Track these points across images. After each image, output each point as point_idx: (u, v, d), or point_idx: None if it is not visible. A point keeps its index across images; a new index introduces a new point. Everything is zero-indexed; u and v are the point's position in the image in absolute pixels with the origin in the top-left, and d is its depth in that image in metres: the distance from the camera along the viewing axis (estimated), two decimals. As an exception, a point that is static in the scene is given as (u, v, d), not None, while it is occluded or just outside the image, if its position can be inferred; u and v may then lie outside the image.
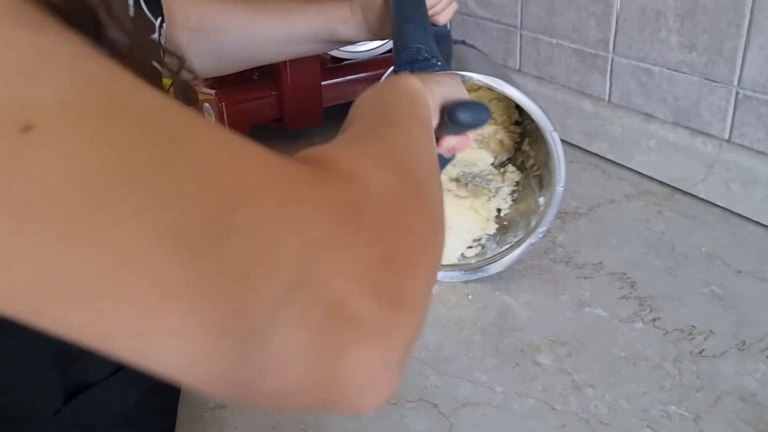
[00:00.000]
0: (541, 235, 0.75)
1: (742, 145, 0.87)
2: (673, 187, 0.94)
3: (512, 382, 0.63)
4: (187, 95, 1.26)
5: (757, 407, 0.59)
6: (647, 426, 0.58)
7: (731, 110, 0.87)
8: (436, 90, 0.54)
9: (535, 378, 0.63)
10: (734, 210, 0.88)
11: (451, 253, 0.79)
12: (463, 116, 0.54)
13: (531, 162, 0.83)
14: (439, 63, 0.61)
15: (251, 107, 1.10)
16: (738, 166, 0.86)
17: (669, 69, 0.93)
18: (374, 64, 1.21)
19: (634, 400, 0.60)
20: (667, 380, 0.63)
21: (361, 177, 0.31)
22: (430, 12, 0.74)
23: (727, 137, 0.88)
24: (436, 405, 0.61)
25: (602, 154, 1.04)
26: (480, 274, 0.77)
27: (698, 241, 0.83)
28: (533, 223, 0.75)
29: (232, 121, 1.08)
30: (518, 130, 0.88)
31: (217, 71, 0.82)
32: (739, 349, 0.66)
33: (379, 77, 1.18)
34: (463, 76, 0.63)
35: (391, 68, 0.72)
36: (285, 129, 1.12)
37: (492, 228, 0.81)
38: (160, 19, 0.59)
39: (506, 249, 0.77)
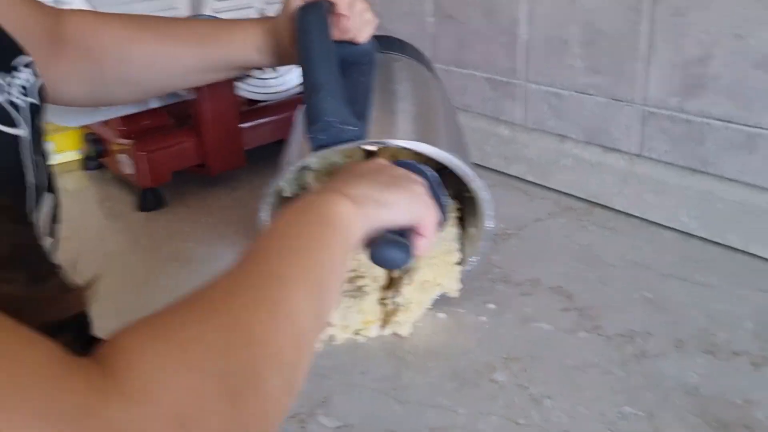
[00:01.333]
0: (475, 264, 0.79)
1: (651, 158, 0.93)
2: (592, 202, 0.99)
3: (474, 403, 0.64)
4: (93, 160, 1.22)
5: (703, 400, 0.63)
6: (607, 429, 0.60)
7: (639, 127, 0.93)
8: (373, 214, 0.51)
9: (495, 396, 0.65)
10: (649, 219, 0.93)
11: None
12: (378, 256, 0.52)
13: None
14: (355, 128, 0.62)
15: (171, 154, 1.08)
16: (649, 178, 0.93)
17: (577, 92, 0.99)
18: (292, 104, 1.21)
19: (590, 406, 0.63)
20: (617, 383, 0.66)
21: (155, 396, 0.26)
22: (347, 37, 0.75)
23: (637, 152, 0.94)
24: (403, 433, 0.62)
25: (522, 176, 1.08)
26: None
27: (622, 250, 0.88)
28: (467, 251, 0.79)
29: (153, 170, 1.06)
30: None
31: (126, 100, 0.80)
32: (676, 348, 0.70)
33: (294, 116, 1.19)
34: (381, 143, 0.67)
35: (302, 108, 0.73)
36: (208, 174, 1.10)
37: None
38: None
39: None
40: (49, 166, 0.55)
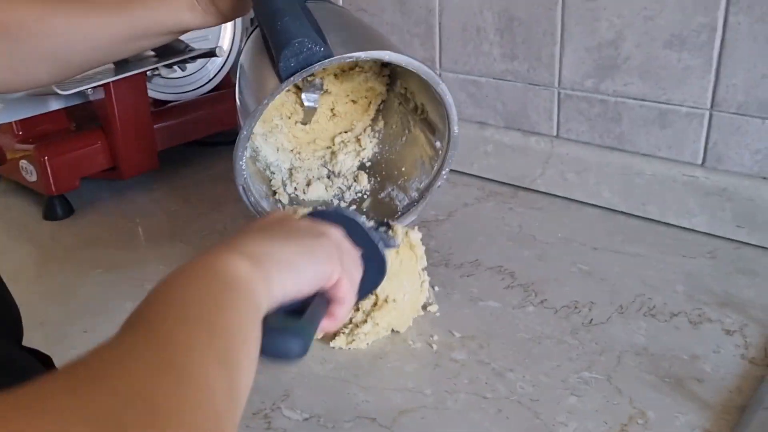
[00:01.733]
0: (445, 177, 0.80)
1: (569, 139, 0.97)
2: (515, 186, 1.02)
3: (439, 383, 0.64)
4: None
5: (652, 358, 0.66)
6: (571, 394, 0.62)
7: (556, 109, 0.97)
8: (276, 277, 0.39)
9: (458, 374, 0.65)
10: (573, 197, 0.97)
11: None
12: (266, 349, 0.37)
13: (411, 105, 0.84)
14: (322, 48, 0.60)
15: (78, 158, 1.01)
16: (570, 158, 0.96)
17: (495, 78, 1.01)
18: (203, 104, 1.17)
19: (552, 374, 0.64)
20: (572, 351, 0.67)
21: None
22: None
23: (555, 134, 0.98)
24: (374, 419, 0.60)
25: (444, 165, 1.09)
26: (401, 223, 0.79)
27: (552, 228, 0.91)
28: (435, 167, 0.80)
29: (58, 176, 0.99)
30: (387, 71, 0.88)
31: (51, 79, 0.73)
32: (619, 313, 0.73)
33: (209, 116, 1.16)
34: (350, 57, 0.63)
35: (255, 29, 0.69)
36: (120, 178, 1.04)
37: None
38: None
39: (416, 196, 0.82)
40: None
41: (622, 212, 0.93)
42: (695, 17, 0.81)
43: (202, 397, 0.28)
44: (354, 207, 0.86)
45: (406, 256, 0.71)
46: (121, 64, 1.07)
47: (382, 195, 0.85)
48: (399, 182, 0.84)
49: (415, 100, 0.82)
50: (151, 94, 1.11)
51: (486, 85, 1.03)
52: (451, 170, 1.08)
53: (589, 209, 0.95)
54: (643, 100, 0.89)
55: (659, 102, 0.87)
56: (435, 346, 0.69)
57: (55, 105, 1.02)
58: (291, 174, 0.86)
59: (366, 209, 0.85)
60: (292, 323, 0.39)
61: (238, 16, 0.71)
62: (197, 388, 0.28)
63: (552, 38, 0.94)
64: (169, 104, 1.16)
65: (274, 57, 0.61)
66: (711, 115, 0.84)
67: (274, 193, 0.84)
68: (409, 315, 0.72)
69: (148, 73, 1.05)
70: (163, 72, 1.07)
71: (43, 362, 0.57)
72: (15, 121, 1.02)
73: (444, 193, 1.02)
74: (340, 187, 0.87)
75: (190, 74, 1.18)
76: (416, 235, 0.73)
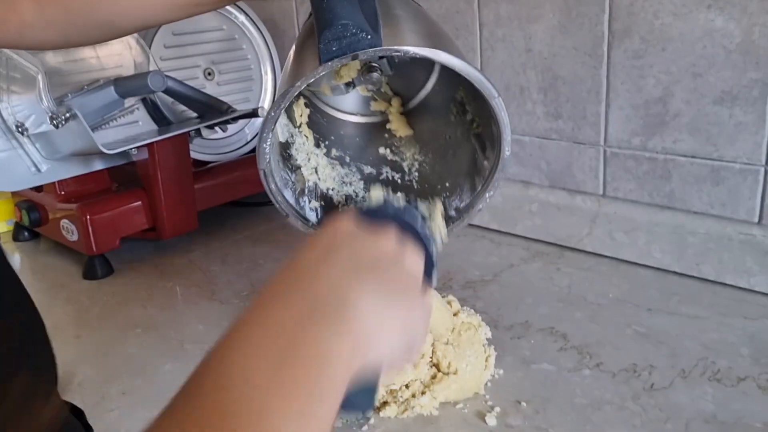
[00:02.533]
0: (488, 200, 0.71)
1: (617, 198, 0.94)
2: (561, 246, 0.99)
3: (494, 449, 0.61)
4: (25, 229, 1.13)
5: (723, 427, 0.62)
6: (638, 464, 0.58)
7: (602, 168, 0.95)
8: (372, 360, 0.34)
9: (515, 440, 0.62)
10: (622, 258, 0.94)
11: None
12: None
13: (469, 117, 0.76)
14: (369, 36, 0.55)
15: (119, 218, 1.01)
16: (618, 217, 0.94)
17: (539, 137, 1.00)
18: (242, 165, 1.18)
19: (615, 443, 0.60)
20: (635, 418, 0.63)
21: None
22: None
23: (602, 192, 0.96)
24: (427, 488, 0.57)
25: (486, 225, 1.08)
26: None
27: (602, 289, 0.87)
28: (479, 188, 0.71)
29: (99, 235, 0.99)
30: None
31: (101, 40, 0.71)
32: (682, 378, 0.69)
33: (247, 176, 1.15)
34: (397, 50, 0.58)
35: (310, 18, 0.63)
36: (159, 238, 1.04)
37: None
38: None
39: (454, 214, 0.73)
40: None
41: (676, 272, 0.89)
42: (746, 73, 0.80)
43: None
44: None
45: (463, 326, 0.69)
46: (164, 125, 1.08)
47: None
48: (442, 197, 0.76)
49: (473, 114, 0.76)
50: (192, 154, 1.12)
51: (530, 144, 1.01)
52: (495, 230, 1.06)
53: (639, 270, 0.92)
54: (693, 157, 0.86)
55: (711, 159, 0.85)
56: (488, 411, 0.65)
57: (99, 165, 1.03)
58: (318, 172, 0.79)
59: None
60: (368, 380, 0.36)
61: None
62: None
63: (597, 96, 0.93)
64: (209, 165, 1.17)
65: (317, 37, 0.56)
66: (766, 172, 0.81)
67: (302, 186, 0.75)
68: (471, 389, 0.68)
69: (190, 133, 1.06)
70: (204, 133, 1.08)
71: (78, 415, 0.56)
72: (57, 181, 1.03)
73: (488, 254, 1.00)
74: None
75: (231, 135, 1.19)
76: (464, 309, 0.69)
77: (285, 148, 0.74)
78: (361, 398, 0.35)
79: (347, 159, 0.78)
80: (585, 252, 0.97)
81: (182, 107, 1.10)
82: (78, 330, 0.87)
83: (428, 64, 0.78)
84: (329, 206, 0.74)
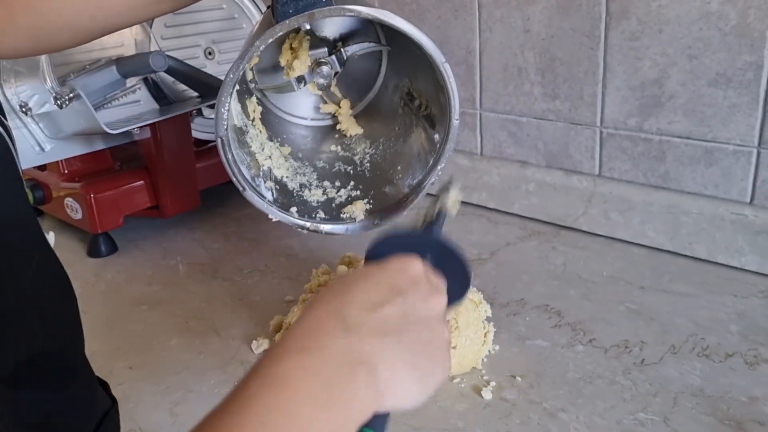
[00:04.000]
0: (439, 173, 0.70)
1: (612, 178, 0.96)
2: (557, 225, 1.01)
3: (490, 422, 0.63)
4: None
5: (710, 400, 0.64)
6: (627, 436, 0.60)
7: (598, 148, 0.96)
8: (389, 403, 0.36)
9: (510, 413, 0.64)
10: (616, 237, 0.96)
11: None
12: None
13: (416, 103, 0.77)
14: None
15: (123, 196, 1.03)
16: (613, 197, 0.95)
17: (536, 118, 1.01)
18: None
19: (605, 415, 0.63)
20: (625, 392, 0.66)
21: None
22: None
23: (598, 173, 0.97)
24: (425, 458, 0.59)
25: (483, 204, 1.09)
26: (384, 223, 0.73)
27: (596, 267, 0.89)
28: (431, 161, 0.71)
29: (103, 214, 1.01)
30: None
31: (69, 45, 0.72)
32: (672, 354, 0.71)
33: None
34: (351, 10, 0.59)
35: (267, 10, 0.64)
36: (162, 216, 1.05)
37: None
38: None
39: (407, 193, 0.73)
40: None
41: (668, 251, 0.91)
42: (741, 56, 0.81)
43: None
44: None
45: (466, 304, 0.70)
46: (165, 105, 1.09)
47: (374, 193, 0.77)
48: (394, 180, 0.76)
49: (421, 98, 0.76)
50: (193, 133, 1.13)
51: (527, 125, 1.03)
52: (493, 209, 1.08)
53: (633, 248, 0.94)
54: (688, 138, 0.88)
55: (705, 140, 0.87)
56: (484, 386, 0.68)
57: (101, 144, 1.04)
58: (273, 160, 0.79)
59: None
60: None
61: None
62: None
63: (594, 77, 0.94)
64: (210, 143, 1.18)
65: (274, 5, 0.58)
66: (759, 153, 0.83)
67: (257, 169, 0.74)
68: (469, 364, 0.70)
69: (191, 112, 1.07)
70: (206, 112, 1.09)
71: (103, 384, 0.58)
72: (61, 160, 1.04)
73: (486, 233, 1.02)
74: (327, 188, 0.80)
75: (232, 115, 1.20)
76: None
77: (240, 134, 0.74)
78: (375, 423, 0.37)
79: (299, 155, 0.80)
80: (580, 231, 0.99)
81: (183, 86, 1.11)
82: (84, 306, 0.88)
83: (375, 65, 0.81)
84: (284, 190, 0.75)
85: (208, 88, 1.09)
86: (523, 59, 1.00)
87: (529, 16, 0.98)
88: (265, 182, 0.72)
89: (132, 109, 1.06)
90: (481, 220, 1.06)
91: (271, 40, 0.60)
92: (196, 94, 1.11)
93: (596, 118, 0.95)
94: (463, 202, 1.11)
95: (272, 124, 0.80)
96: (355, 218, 0.73)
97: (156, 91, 1.09)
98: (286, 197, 0.73)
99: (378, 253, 0.48)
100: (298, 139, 0.81)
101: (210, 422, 0.30)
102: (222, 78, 1.12)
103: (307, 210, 0.72)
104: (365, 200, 0.75)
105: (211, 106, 1.07)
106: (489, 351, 0.72)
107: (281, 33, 0.59)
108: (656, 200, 0.92)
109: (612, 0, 0.89)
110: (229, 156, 0.66)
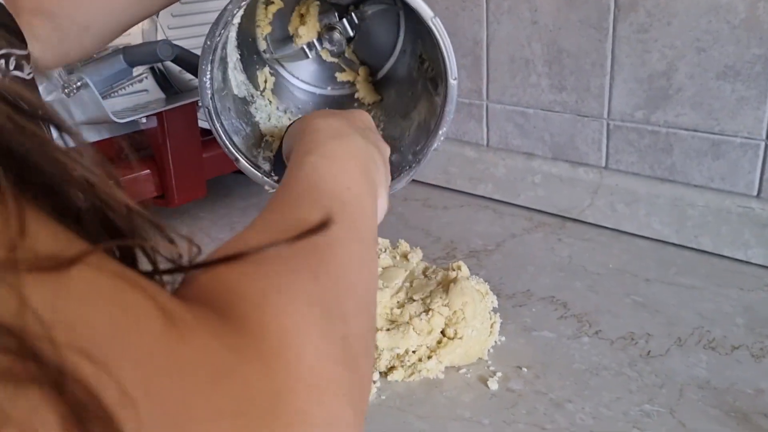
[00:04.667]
0: (442, 138, 0.68)
1: (619, 170, 0.96)
2: (563, 216, 1.01)
3: (496, 412, 0.63)
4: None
5: (716, 392, 0.64)
6: (633, 427, 0.60)
7: (605, 140, 0.96)
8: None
9: (516, 404, 0.64)
10: (622, 229, 0.96)
11: None
12: None
13: (426, 65, 0.74)
14: None
15: (129, 185, 1.03)
16: (619, 189, 0.95)
17: (543, 110, 1.01)
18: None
19: (612, 406, 0.63)
20: (631, 383, 0.66)
21: (293, 362, 0.24)
22: None
23: (604, 165, 0.97)
24: (432, 448, 0.60)
25: (489, 195, 1.09)
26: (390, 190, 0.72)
27: (602, 259, 0.90)
28: (433, 126, 0.69)
29: (110, 203, 1.01)
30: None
31: (90, 50, 0.72)
32: (678, 346, 0.71)
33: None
34: None
35: None
36: (168, 206, 1.06)
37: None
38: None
39: (410, 160, 0.71)
40: None
41: (674, 244, 0.91)
42: (750, 49, 0.81)
43: (374, 285, 0.38)
44: None
45: (473, 295, 0.71)
46: (171, 94, 1.09)
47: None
48: (400, 148, 0.73)
49: (429, 60, 0.73)
50: (199, 123, 1.13)
51: (534, 116, 1.03)
52: (499, 201, 1.08)
53: (639, 241, 0.94)
54: (695, 131, 0.88)
55: (712, 133, 0.87)
56: (490, 376, 0.68)
57: (108, 133, 1.04)
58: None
59: None
60: None
61: None
62: (374, 279, 0.39)
63: (602, 69, 0.94)
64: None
65: None
66: (766, 146, 0.83)
67: (257, 140, 0.73)
68: (475, 354, 0.70)
69: (198, 102, 1.07)
70: (212, 102, 1.09)
71: None
72: (68, 149, 1.04)
73: (491, 224, 1.02)
74: None
75: (238, 105, 1.20)
76: (472, 277, 0.72)
77: (243, 104, 0.72)
78: None
79: None
80: (586, 223, 0.99)
81: (189, 76, 1.11)
82: (91, 295, 0.90)
83: (394, 29, 0.77)
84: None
85: (215, 78, 1.09)
86: (530, 51, 1.00)
87: (536, 7, 0.97)
88: (263, 152, 0.70)
89: (138, 98, 1.06)
90: (487, 211, 1.06)
91: (244, 4, 0.59)
92: (202, 83, 1.11)
93: (603, 110, 0.95)
94: (469, 194, 1.11)
95: (288, 94, 0.78)
96: None
97: (163, 80, 1.09)
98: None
99: None
100: (314, 109, 0.79)
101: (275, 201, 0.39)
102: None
103: None
104: None
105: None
106: (495, 342, 0.73)
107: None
108: (662, 192, 0.92)
109: (620, -8, 0.89)
110: (218, 125, 0.65)
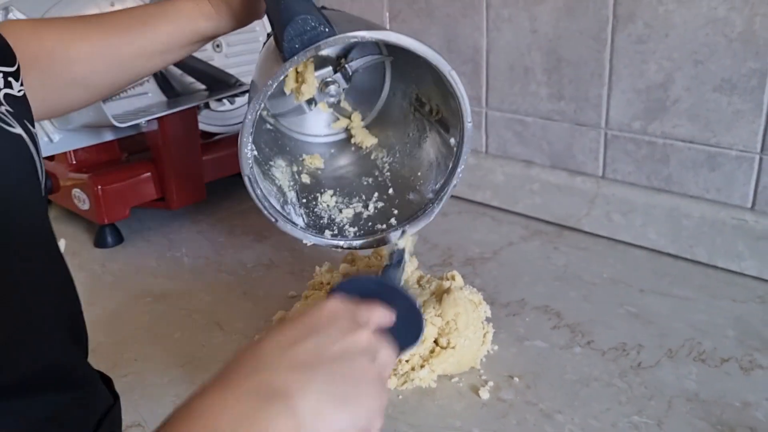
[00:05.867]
0: (460, 176, 0.73)
1: (616, 180, 0.97)
2: (560, 225, 1.02)
3: (486, 422, 0.64)
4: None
5: (704, 405, 0.65)
6: (622, 439, 0.61)
7: (602, 150, 0.97)
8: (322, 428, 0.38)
9: (506, 414, 0.65)
10: (618, 238, 0.97)
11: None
12: None
13: (427, 108, 0.78)
14: (327, 29, 0.58)
15: (130, 188, 1.04)
16: (616, 199, 0.96)
17: (541, 118, 1.02)
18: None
19: (601, 418, 0.64)
20: (621, 395, 0.67)
21: None
22: None
23: (601, 174, 0.98)
24: (422, 456, 0.60)
25: (487, 202, 1.10)
26: (412, 229, 0.75)
27: (597, 269, 0.90)
28: (450, 165, 0.73)
29: (110, 205, 1.02)
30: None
31: (82, 103, 0.74)
32: (669, 357, 0.72)
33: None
34: (355, 37, 0.60)
35: (269, 39, 0.67)
36: (168, 208, 1.07)
37: None
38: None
39: (431, 198, 0.74)
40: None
41: (669, 254, 0.92)
42: (746, 62, 0.81)
43: None
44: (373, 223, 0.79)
45: (466, 305, 0.71)
46: (172, 97, 1.10)
47: (399, 202, 0.78)
48: (417, 187, 0.77)
49: (431, 103, 0.77)
50: (200, 126, 1.14)
51: (532, 125, 1.03)
52: (496, 208, 1.09)
53: (635, 250, 0.94)
54: (691, 142, 0.88)
55: (708, 145, 0.87)
56: (482, 385, 0.69)
57: (109, 136, 1.05)
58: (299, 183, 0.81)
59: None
60: None
61: (253, 20, 0.72)
62: None
63: (600, 79, 0.94)
64: (217, 137, 1.19)
65: (279, 41, 0.59)
66: (761, 159, 0.83)
67: (284, 198, 0.76)
68: (468, 363, 0.71)
69: (198, 105, 1.08)
70: (213, 105, 1.10)
71: (106, 381, 0.59)
72: (69, 151, 1.05)
73: (489, 231, 1.03)
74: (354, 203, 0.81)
75: (238, 107, 1.21)
76: (466, 287, 0.73)
77: (266, 165, 0.75)
78: None
79: (319, 173, 0.81)
80: (583, 232, 1.00)
81: (191, 79, 1.12)
82: (91, 297, 0.91)
83: (380, 74, 0.82)
84: (312, 213, 0.76)
85: (216, 81, 1.10)
86: (529, 59, 1.01)
87: (536, 16, 0.98)
88: (294, 209, 0.74)
89: (139, 101, 1.07)
90: (485, 218, 1.07)
91: (282, 77, 0.61)
92: (203, 87, 1.12)
93: (601, 119, 0.96)
94: (467, 200, 1.12)
95: (289, 147, 0.81)
96: (384, 230, 0.74)
97: (164, 83, 1.10)
98: (316, 219, 0.75)
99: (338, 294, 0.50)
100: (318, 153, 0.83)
101: None
102: (228, 71, 1.13)
103: (337, 226, 0.74)
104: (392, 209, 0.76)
105: (218, 100, 1.08)
106: (488, 351, 0.73)
107: (291, 68, 0.60)
108: (658, 203, 0.92)
109: (619, 3, 0.89)
110: (258, 192, 0.68)
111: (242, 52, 1.23)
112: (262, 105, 0.62)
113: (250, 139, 0.64)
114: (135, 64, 0.72)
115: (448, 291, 0.72)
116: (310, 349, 0.41)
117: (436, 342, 0.70)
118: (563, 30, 0.96)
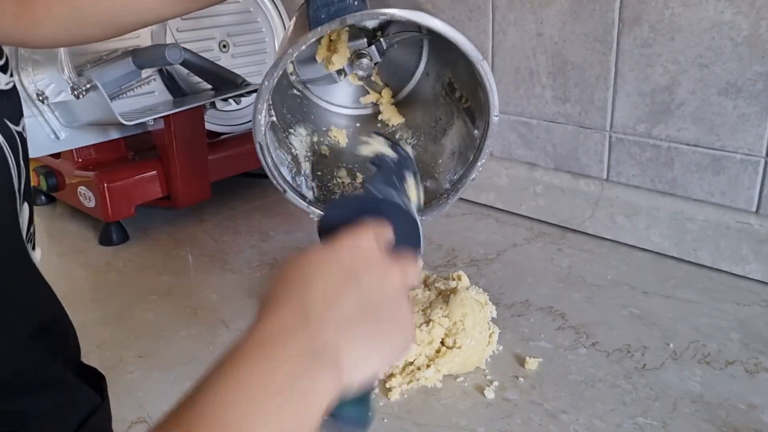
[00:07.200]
0: (480, 169, 0.70)
1: (620, 183, 0.97)
2: (564, 227, 1.02)
3: (492, 421, 0.64)
4: (42, 194, 1.16)
5: (709, 406, 0.65)
6: (626, 439, 0.61)
7: (606, 153, 0.97)
8: (355, 382, 0.38)
9: (511, 414, 0.65)
10: (621, 241, 0.97)
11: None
12: (339, 422, 0.39)
13: (457, 95, 0.76)
14: (356, 2, 0.57)
15: (136, 186, 1.04)
16: (620, 201, 0.96)
17: (546, 121, 1.02)
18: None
19: (605, 418, 0.64)
20: (626, 396, 0.67)
21: None
22: None
23: (605, 177, 0.98)
24: (427, 455, 0.60)
25: (491, 204, 1.10)
26: (425, 218, 0.72)
27: (601, 271, 0.90)
28: (471, 157, 0.71)
29: (116, 203, 1.02)
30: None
31: (102, 38, 0.73)
32: (673, 359, 0.72)
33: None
34: (383, 14, 0.58)
35: (302, 7, 0.65)
36: (174, 207, 1.07)
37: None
38: None
39: (448, 188, 0.72)
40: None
41: (673, 257, 0.92)
42: (752, 66, 0.82)
43: None
44: None
45: (473, 305, 0.71)
46: (179, 96, 1.10)
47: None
48: (435, 174, 0.75)
49: (461, 89, 0.76)
50: (206, 126, 1.14)
51: (537, 127, 1.04)
52: (501, 210, 1.09)
53: (638, 253, 0.95)
54: (696, 146, 0.89)
55: (713, 148, 0.87)
56: (487, 385, 0.69)
57: (115, 134, 1.05)
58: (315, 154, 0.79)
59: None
60: (361, 395, 0.39)
61: None
62: None
63: (605, 82, 0.95)
64: (223, 136, 1.19)
65: (307, 9, 0.58)
66: (766, 163, 0.84)
67: (298, 169, 0.74)
68: (473, 363, 0.71)
69: (204, 104, 1.08)
70: (219, 104, 1.10)
71: (97, 380, 0.59)
72: (75, 149, 1.05)
73: (493, 233, 1.03)
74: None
75: (244, 107, 1.21)
76: (472, 287, 0.73)
77: (284, 133, 0.74)
78: (356, 413, 0.39)
79: (341, 146, 0.80)
80: (586, 234, 1.00)
81: (197, 79, 1.13)
82: (96, 294, 0.91)
83: (416, 51, 0.80)
84: (324, 188, 0.74)
85: (222, 81, 1.11)
86: (535, 62, 1.01)
87: (542, 19, 0.98)
88: (306, 181, 0.72)
89: (146, 100, 1.08)
90: (489, 220, 1.07)
91: (304, 47, 0.60)
92: (210, 86, 1.13)
93: (606, 122, 0.96)
94: (472, 202, 1.12)
95: (314, 115, 0.80)
96: None
97: (170, 82, 1.10)
98: (327, 194, 0.73)
99: (328, 222, 0.48)
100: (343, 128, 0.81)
101: (172, 422, 0.31)
102: (235, 71, 1.13)
103: None
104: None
105: (225, 99, 1.08)
106: (493, 351, 0.74)
107: (314, 39, 0.59)
108: (663, 206, 0.93)
109: (625, 6, 0.90)
110: (269, 159, 0.67)
111: (249, 52, 1.24)
112: (281, 72, 0.61)
113: (265, 106, 0.63)
114: (160, 6, 0.71)
115: (454, 291, 0.72)
116: (354, 303, 0.40)
117: (442, 342, 0.70)
118: (569, 33, 0.96)
